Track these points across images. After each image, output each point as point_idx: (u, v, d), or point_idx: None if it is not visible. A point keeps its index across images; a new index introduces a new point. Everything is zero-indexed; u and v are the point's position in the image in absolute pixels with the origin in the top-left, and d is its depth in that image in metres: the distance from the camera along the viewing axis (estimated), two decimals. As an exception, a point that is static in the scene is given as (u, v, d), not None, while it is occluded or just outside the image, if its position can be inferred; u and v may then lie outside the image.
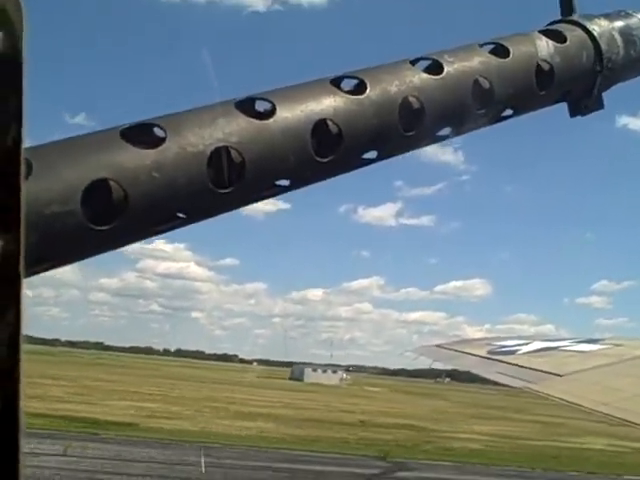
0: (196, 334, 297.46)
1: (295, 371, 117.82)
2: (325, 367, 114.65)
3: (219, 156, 1.30)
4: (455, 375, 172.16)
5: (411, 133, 1.52)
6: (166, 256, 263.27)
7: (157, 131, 1.30)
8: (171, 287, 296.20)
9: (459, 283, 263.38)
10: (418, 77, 1.53)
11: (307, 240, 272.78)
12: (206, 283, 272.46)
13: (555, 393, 8.18)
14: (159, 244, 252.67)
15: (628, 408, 6.91)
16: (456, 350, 11.37)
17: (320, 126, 1.41)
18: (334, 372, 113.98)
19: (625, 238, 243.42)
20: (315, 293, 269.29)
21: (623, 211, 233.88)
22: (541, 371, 8.65)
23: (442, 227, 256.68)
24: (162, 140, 1.27)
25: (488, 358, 9.93)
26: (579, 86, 1.85)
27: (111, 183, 1.21)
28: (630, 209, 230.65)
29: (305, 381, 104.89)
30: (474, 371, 10.32)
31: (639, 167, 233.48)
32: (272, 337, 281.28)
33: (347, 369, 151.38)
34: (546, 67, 1.72)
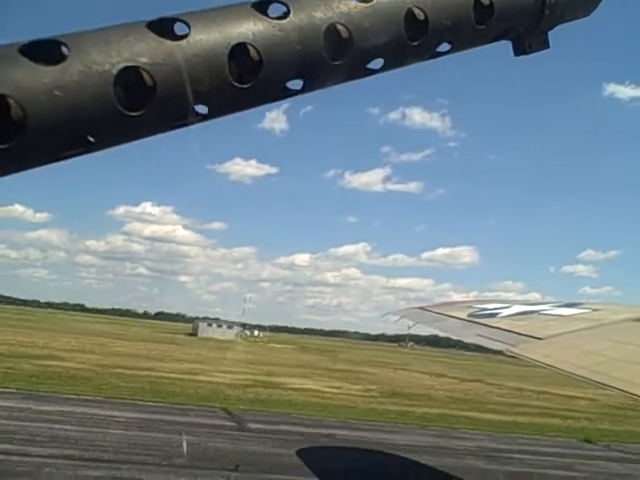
0: (184, 298, 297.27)
1: (194, 326, 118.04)
2: (224, 323, 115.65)
3: (127, 76, 1.23)
4: (433, 340, 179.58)
5: (339, 62, 1.45)
6: (153, 219, 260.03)
7: (63, 50, 1.21)
8: (158, 250, 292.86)
9: (446, 250, 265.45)
10: (346, 4, 1.45)
11: (295, 205, 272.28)
12: (194, 247, 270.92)
13: (534, 356, 8.30)
14: (146, 207, 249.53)
15: (604, 372, 7.04)
16: (438, 313, 11.47)
17: (239, 50, 1.33)
18: (229, 328, 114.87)
19: (611, 207, 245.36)
20: (303, 258, 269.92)
21: (610, 180, 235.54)
22: (521, 334, 8.77)
23: (430, 193, 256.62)
24: (65, 57, 1.19)
25: (469, 321, 10.03)
26: (521, 22, 1.79)
27: (8, 100, 1.13)
28: (617, 178, 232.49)
29: (199, 336, 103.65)
30: (454, 334, 10.44)
31: (625, 135, 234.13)
32: (261, 301, 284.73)
33: (259, 327, 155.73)
34: (485, 0, 1.65)
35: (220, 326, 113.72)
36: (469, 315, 10.55)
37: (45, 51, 1.19)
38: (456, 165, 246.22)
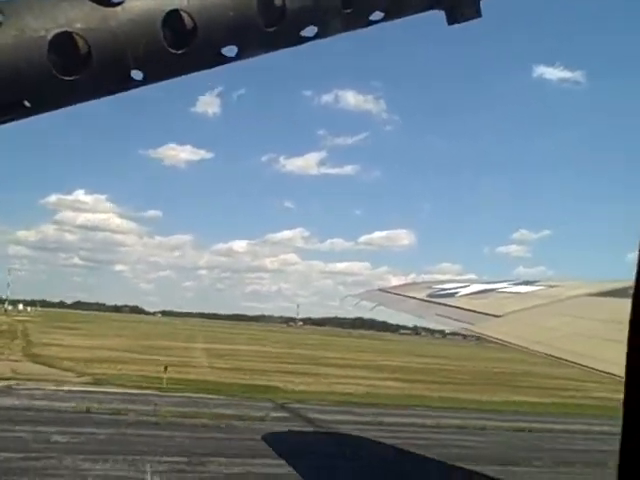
0: (120, 287, 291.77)
1: None
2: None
3: (62, 42, 1.27)
4: (358, 323, 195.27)
5: (272, 29, 1.51)
6: (86, 208, 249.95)
7: None
8: (93, 240, 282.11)
9: (383, 233, 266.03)
10: None
11: (231, 190, 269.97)
12: (129, 235, 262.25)
13: (492, 333, 8.30)
14: (79, 195, 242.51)
15: (561, 346, 7.06)
16: (398, 294, 11.44)
17: (173, 16, 1.38)
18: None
19: (544, 188, 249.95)
20: (240, 245, 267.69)
21: (541, 161, 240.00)
22: (479, 312, 8.77)
23: (365, 177, 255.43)
24: (0, 24, 1.24)
25: (428, 301, 10.00)
26: None
27: None
28: (548, 159, 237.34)
29: None
30: (413, 314, 10.41)
31: (556, 116, 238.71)
32: (199, 289, 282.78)
33: (30, 303, 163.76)
34: None
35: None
36: (428, 295, 10.53)
37: None
38: (390, 148, 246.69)
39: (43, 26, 1.26)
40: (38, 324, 75.84)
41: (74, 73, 1.30)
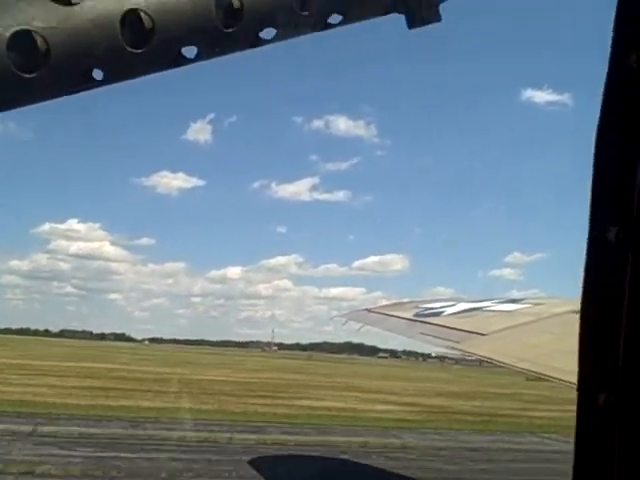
0: (115, 316, 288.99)
1: None
2: None
3: (21, 40, 1.28)
4: (347, 347, 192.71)
5: (231, 30, 1.51)
6: (79, 236, 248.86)
7: None
8: (86, 268, 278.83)
9: (377, 258, 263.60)
10: None
11: (224, 217, 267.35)
12: (122, 263, 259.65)
13: (478, 351, 8.30)
14: (72, 224, 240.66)
15: (545, 363, 7.07)
16: (384, 313, 11.41)
17: (131, 16, 1.39)
18: None
19: (536, 211, 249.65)
20: (234, 271, 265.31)
21: (533, 183, 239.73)
22: (465, 331, 8.77)
23: (358, 202, 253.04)
24: None
25: (414, 320, 9.99)
26: None
27: None
28: (539, 181, 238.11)
29: None
30: (399, 333, 10.38)
31: (544, 139, 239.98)
32: (193, 316, 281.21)
33: None
34: None
35: None
36: (415, 315, 10.52)
37: None
38: (382, 172, 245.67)
39: (2, 23, 1.28)
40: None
41: (33, 71, 1.32)
